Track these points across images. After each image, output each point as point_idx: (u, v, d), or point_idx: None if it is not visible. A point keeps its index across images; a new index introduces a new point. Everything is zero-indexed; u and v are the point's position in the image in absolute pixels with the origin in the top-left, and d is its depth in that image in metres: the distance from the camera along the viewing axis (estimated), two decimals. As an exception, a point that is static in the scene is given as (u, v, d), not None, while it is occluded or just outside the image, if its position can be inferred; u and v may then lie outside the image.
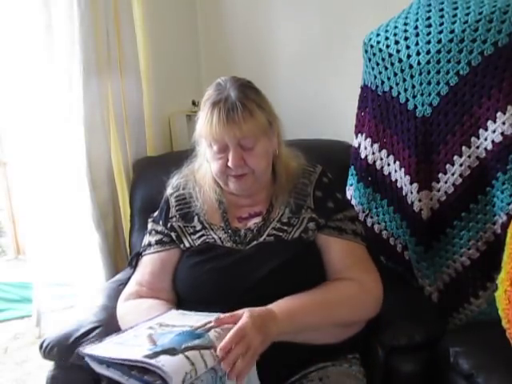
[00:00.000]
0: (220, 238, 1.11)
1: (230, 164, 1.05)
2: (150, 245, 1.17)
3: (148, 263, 1.16)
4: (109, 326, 1.15)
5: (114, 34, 1.62)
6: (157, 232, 1.18)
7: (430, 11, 1.25)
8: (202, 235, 1.13)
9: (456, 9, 1.20)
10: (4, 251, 3.66)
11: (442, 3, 1.24)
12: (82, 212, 1.62)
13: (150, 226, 1.22)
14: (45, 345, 1.11)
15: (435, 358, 1.10)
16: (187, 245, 1.13)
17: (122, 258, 1.74)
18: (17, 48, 1.53)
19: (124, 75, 1.68)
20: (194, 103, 2.04)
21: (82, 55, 1.52)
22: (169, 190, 1.21)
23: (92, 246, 1.64)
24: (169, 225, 1.16)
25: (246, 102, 1.04)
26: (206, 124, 1.05)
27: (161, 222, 1.18)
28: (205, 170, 1.16)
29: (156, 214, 1.22)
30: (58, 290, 1.80)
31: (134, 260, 1.19)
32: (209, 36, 2.08)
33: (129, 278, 1.18)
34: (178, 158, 1.23)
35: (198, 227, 1.14)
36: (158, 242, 1.16)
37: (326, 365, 1.03)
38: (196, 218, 1.15)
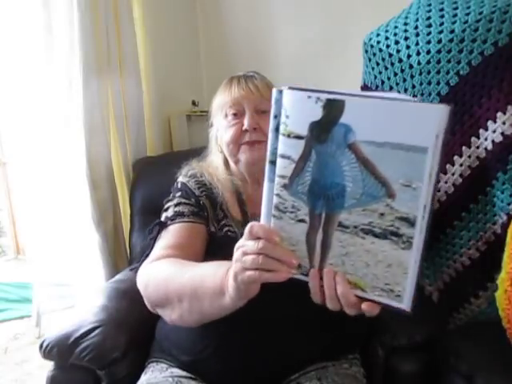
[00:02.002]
0: (242, 234, 1.07)
1: (245, 126, 1.08)
2: (182, 214, 1.07)
3: (181, 229, 1.05)
4: (109, 326, 1.15)
5: (114, 34, 1.62)
6: (188, 204, 1.09)
7: (430, 11, 1.25)
8: (225, 225, 1.09)
9: (456, 9, 1.20)
10: (4, 251, 3.66)
11: (442, 3, 1.23)
12: (82, 212, 1.62)
13: (176, 200, 1.11)
14: (45, 345, 1.11)
15: (435, 358, 1.10)
16: (212, 229, 1.08)
17: (121, 257, 1.74)
18: (17, 49, 1.53)
19: (124, 75, 1.68)
20: (194, 103, 2.04)
21: (82, 55, 1.52)
22: (183, 179, 1.15)
23: (92, 246, 1.64)
24: (201, 202, 1.10)
25: (263, 78, 1.15)
26: (224, 93, 1.12)
27: (192, 200, 1.10)
28: (216, 163, 1.17)
29: (178, 193, 1.12)
30: (58, 290, 1.80)
31: (156, 228, 1.06)
32: (209, 36, 2.09)
33: (146, 255, 1.04)
34: (177, 157, 1.23)
35: (221, 215, 1.10)
36: (192, 213, 1.07)
37: (326, 365, 1.03)
38: (218, 206, 1.11)
